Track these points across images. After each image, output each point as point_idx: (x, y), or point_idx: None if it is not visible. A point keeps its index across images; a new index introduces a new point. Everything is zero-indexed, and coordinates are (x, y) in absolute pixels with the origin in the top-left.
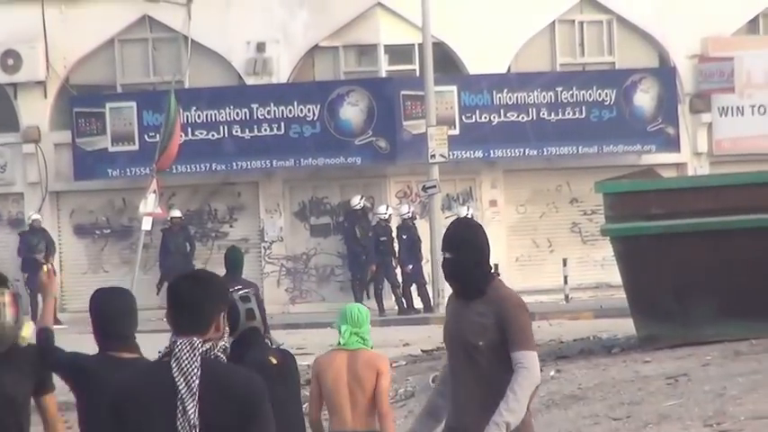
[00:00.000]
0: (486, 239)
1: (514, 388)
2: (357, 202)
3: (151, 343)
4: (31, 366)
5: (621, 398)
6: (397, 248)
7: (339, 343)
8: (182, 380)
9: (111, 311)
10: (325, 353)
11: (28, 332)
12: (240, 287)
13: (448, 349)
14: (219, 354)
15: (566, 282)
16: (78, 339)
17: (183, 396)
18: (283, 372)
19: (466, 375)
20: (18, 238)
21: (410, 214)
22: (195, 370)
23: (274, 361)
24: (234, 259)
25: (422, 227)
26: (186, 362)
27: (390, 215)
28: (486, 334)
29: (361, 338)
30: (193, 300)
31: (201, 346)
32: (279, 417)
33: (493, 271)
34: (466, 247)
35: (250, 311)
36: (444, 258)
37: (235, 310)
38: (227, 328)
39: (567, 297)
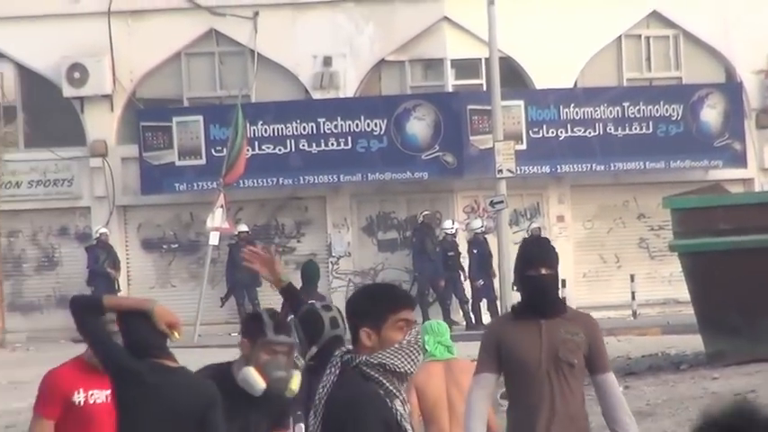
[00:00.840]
0: (557, 256)
1: (628, 412)
2: (450, 226)
3: (218, 357)
4: (274, 407)
5: (690, 414)
6: (467, 263)
7: (429, 354)
8: None
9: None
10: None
11: (296, 384)
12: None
13: (524, 369)
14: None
15: (633, 297)
16: None
17: None
18: None
19: (553, 394)
20: (85, 253)
21: (482, 229)
22: None
23: None
24: (310, 272)
25: (489, 242)
26: None
27: (457, 230)
28: (579, 352)
29: (446, 347)
30: None
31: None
32: None
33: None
34: (557, 264)
35: (334, 320)
36: (541, 274)
37: (319, 319)
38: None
39: (634, 313)
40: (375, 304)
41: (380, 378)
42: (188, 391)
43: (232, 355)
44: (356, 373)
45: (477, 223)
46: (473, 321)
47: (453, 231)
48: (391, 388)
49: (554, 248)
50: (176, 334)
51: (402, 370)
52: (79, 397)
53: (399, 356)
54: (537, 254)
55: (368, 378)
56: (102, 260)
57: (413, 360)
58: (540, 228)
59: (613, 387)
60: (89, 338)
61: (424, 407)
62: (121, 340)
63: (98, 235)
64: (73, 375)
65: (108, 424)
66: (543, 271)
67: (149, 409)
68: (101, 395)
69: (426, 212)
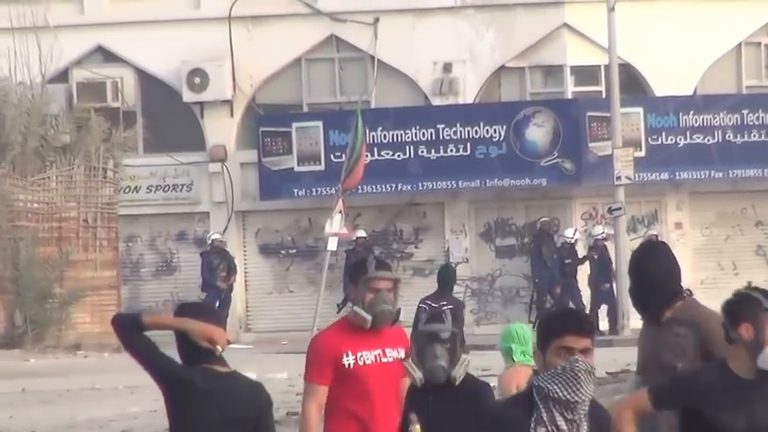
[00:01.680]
0: (664, 262)
1: None
2: (571, 235)
3: None
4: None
5: None
6: (588, 269)
7: (513, 361)
8: None
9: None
10: (508, 369)
11: (462, 371)
12: (445, 303)
13: (641, 372)
14: None
15: None
16: (264, 359)
17: None
18: None
19: None
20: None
21: (603, 235)
22: None
23: None
24: (445, 276)
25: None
26: None
27: (577, 239)
28: (684, 355)
29: (528, 356)
30: None
31: None
32: None
33: (686, 293)
34: (638, 271)
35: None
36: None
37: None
38: None
39: None
40: (544, 328)
41: (538, 402)
42: (240, 396)
43: None
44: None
45: (598, 229)
46: None
47: (573, 240)
48: (543, 413)
49: (646, 255)
50: (219, 348)
51: (555, 395)
52: (348, 359)
53: (554, 382)
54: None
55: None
56: (215, 265)
57: (569, 387)
58: (656, 234)
59: None
60: (136, 354)
61: None
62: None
63: (211, 241)
64: (339, 338)
65: (380, 384)
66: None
67: (203, 415)
68: (369, 356)
69: (545, 219)
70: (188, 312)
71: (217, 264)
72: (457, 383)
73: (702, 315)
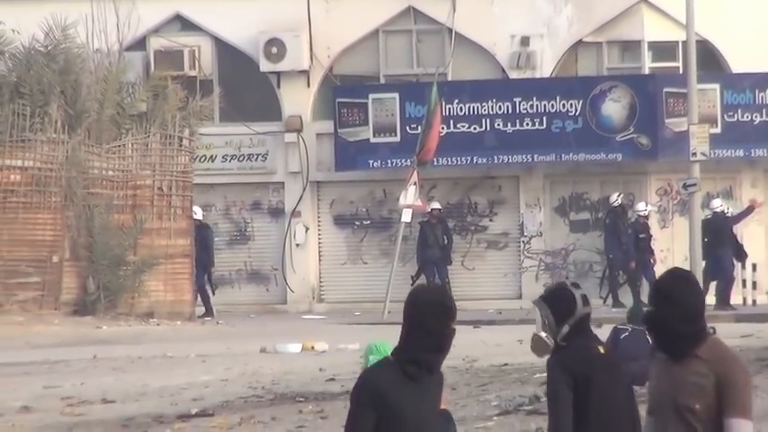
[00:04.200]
0: (699, 293)
1: None
2: (615, 198)
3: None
4: None
5: None
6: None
7: None
8: None
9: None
10: None
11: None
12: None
13: (652, 412)
14: None
15: None
16: (336, 330)
17: None
18: (611, 362)
19: None
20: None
21: (646, 212)
22: None
23: (602, 350)
24: (634, 313)
25: (681, 225)
26: None
27: (650, 212)
28: (703, 396)
29: None
30: None
31: None
32: (605, 409)
33: (710, 330)
34: (671, 302)
35: (584, 297)
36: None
37: (570, 295)
38: None
39: None
40: None
41: None
42: None
43: None
44: None
45: (641, 206)
46: None
47: (646, 214)
48: None
49: (677, 285)
50: None
51: None
52: None
53: None
54: (652, 290)
55: None
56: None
57: None
58: (723, 211)
59: None
60: None
61: None
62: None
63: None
64: None
65: None
66: (650, 308)
67: None
68: None
69: (622, 194)
70: None
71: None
72: None
73: (728, 356)
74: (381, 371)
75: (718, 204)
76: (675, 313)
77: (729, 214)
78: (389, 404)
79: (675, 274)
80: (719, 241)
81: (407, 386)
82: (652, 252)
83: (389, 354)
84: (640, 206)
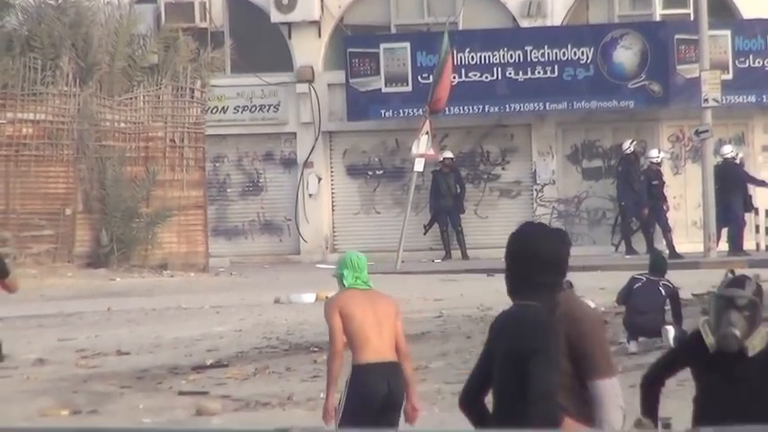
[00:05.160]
0: (557, 248)
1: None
2: (627, 146)
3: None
4: None
5: None
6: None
7: (345, 286)
8: None
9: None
10: (339, 293)
11: (759, 342)
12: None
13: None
14: None
15: None
16: None
17: None
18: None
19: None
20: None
21: (658, 159)
22: None
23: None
24: (655, 263)
25: (693, 170)
26: None
27: (662, 159)
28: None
29: (364, 282)
30: None
31: None
32: None
33: (566, 284)
34: (536, 251)
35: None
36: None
37: None
38: None
39: None
40: None
41: None
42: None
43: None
44: None
45: (653, 152)
46: (675, 251)
47: (659, 160)
48: None
49: (530, 242)
50: None
51: None
52: None
53: None
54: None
55: None
56: None
57: None
58: (733, 157)
59: (605, 403)
60: None
61: (352, 327)
62: None
63: None
64: None
65: None
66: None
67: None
68: None
69: (635, 141)
70: None
71: None
72: (750, 354)
73: (579, 311)
74: None
75: (728, 150)
76: (539, 261)
77: (739, 161)
78: None
79: (536, 226)
80: (729, 187)
81: None
82: (665, 199)
83: (364, 267)
84: (653, 153)
